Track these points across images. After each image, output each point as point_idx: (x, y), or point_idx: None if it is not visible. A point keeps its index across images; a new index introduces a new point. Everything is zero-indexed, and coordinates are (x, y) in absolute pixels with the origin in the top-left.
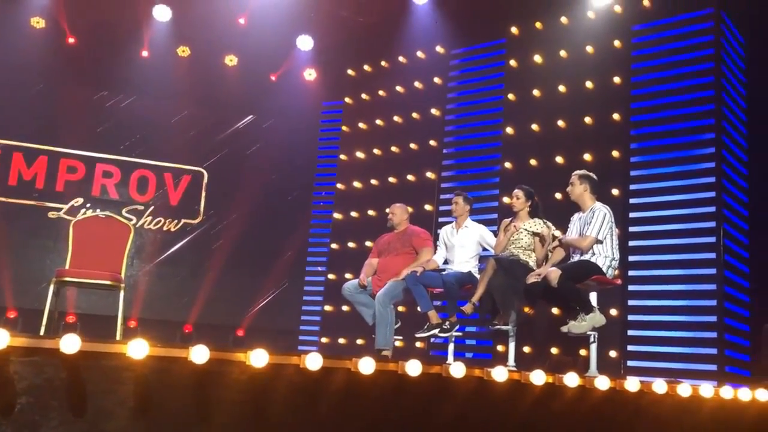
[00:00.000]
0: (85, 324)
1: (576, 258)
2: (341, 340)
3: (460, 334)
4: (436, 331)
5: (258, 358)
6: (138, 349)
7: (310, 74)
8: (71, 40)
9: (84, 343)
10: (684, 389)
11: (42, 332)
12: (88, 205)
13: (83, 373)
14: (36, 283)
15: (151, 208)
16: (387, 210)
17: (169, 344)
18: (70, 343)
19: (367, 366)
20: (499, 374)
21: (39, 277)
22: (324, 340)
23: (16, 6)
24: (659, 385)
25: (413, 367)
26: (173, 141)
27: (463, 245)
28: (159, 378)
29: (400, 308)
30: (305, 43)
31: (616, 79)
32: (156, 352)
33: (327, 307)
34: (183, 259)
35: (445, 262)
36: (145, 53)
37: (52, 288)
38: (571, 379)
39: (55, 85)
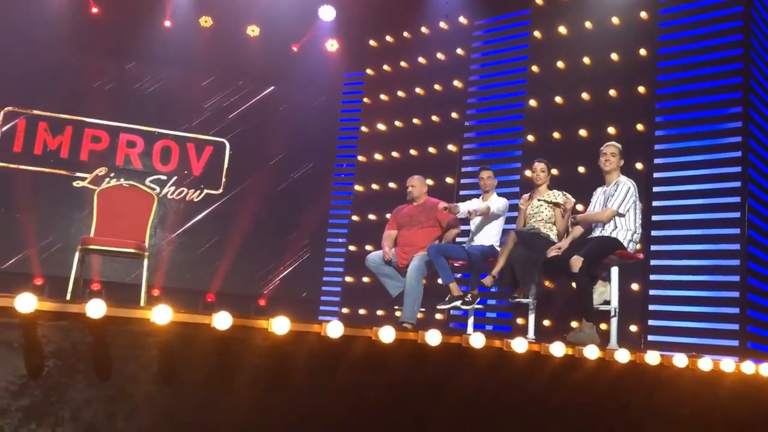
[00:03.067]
0: (110, 292)
1: (597, 232)
2: (361, 311)
3: (480, 306)
4: (457, 303)
5: (280, 325)
6: (162, 314)
7: (331, 45)
8: (94, 10)
9: (109, 308)
10: (705, 363)
11: (68, 299)
12: (112, 174)
13: (108, 338)
14: (62, 251)
15: (174, 178)
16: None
17: (193, 311)
18: (96, 308)
19: (387, 335)
20: (519, 345)
21: (65, 245)
22: (344, 310)
23: None
24: (680, 359)
25: (433, 337)
26: (196, 111)
27: (489, 221)
28: (182, 343)
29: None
30: (327, 13)
31: (642, 52)
32: (180, 318)
33: (348, 278)
34: (205, 229)
35: (468, 234)
36: (167, 23)
37: (77, 255)
38: (591, 352)
39: (78, 56)
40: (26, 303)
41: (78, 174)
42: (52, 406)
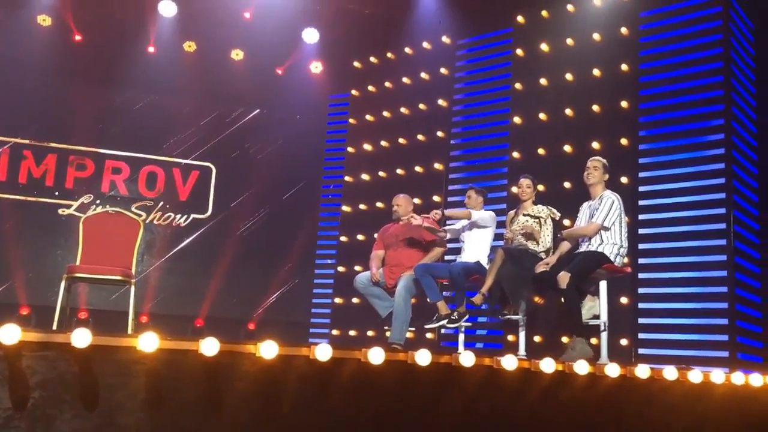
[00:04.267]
0: (97, 320)
1: (584, 246)
2: (352, 332)
3: (469, 324)
4: (444, 321)
5: (268, 349)
6: (148, 342)
7: (316, 67)
8: (78, 37)
9: (95, 337)
10: (695, 376)
11: (54, 328)
12: (97, 201)
13: (95, 367)
14: (48, 279)
15: (161, 203)
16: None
17: (180, 337)
18: (81, 337)
19: (376, 356)
20: (509, 363)
21: (51, 274)
22: (334, 332)
23: (22, 4)
24: (670, 372)
25: (423, 357)
26: (181, 136)
27: (476, 236)
28: (170, 371)
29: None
30: (311, 36)
31: (624, 67)
32: (166, 345)
33: (337, 300)
34: (193, 254)
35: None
36: (151, 49)
37: (63, 284)
38: (581, 367)
39: (62, 83)
40: (10, 334)
41: (63, 202)
42: None
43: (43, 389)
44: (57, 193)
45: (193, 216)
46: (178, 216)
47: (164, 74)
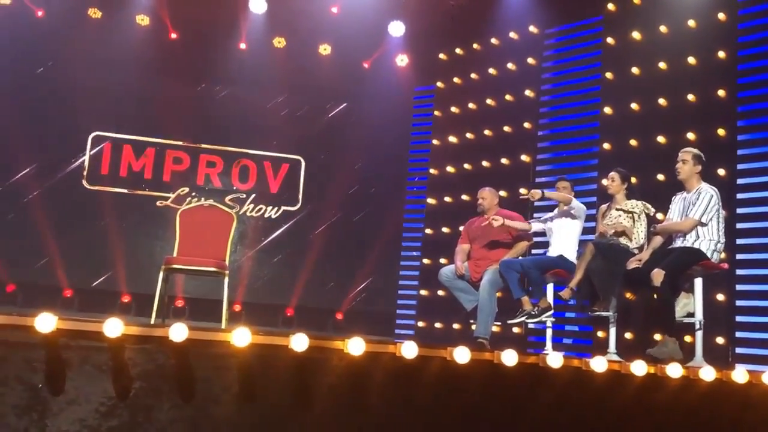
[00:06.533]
0: (193, 308)
1: (679, 242)
2: (437, 325)
3: (554, 319)
4: (525, 317)
5: (356, 346)
6: (242, 337)
7: (402, 60)
8: (173, 35)
9: (191, 331)
10: None
11: (153, 317)
12: (193, 194)
13: (191, 360)
14: (147, 269)
15: (253, 195)
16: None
17: (271, 332)
18: (178, 332)
19: (462, 355)
20: (598, 364)
21: (149, 264)
22: (420, 324)
23: (122, 5)
24: None
25: (509, 357)
26: (272, 130)
27: (564, 230)
28: (261, 365)
29: (497, 293)
30: (397, 29)
31: (721, 54)
32: (258, 340)
33: (423, 292)
34: (283, 245)
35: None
36: (242, 45)
37: (161, 275)
38: (674, 370)
39: (159, 80)
40: (114, 328)
41: (161, 194)
42: (139, 426)
43: (143, 380)
44: (155, 186)
45: (283, 208)
46: (269, 208)
47: (255, 70)
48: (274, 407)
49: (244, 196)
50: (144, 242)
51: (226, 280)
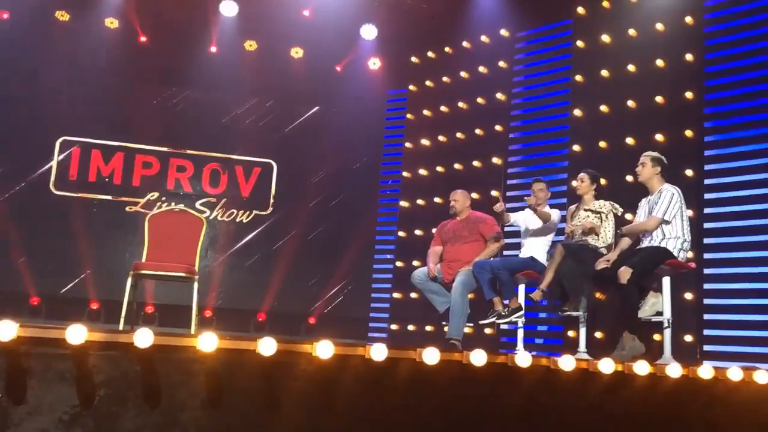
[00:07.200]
0: (163, 314)
1: (646, 242)
2: (410, 327)
3: (525, 319)
4: (495, 318)
5: (324, 349)
6: (208, 342)
7: (374, 63)
8: (143, 38)
9: (157, 336)
10: (761, 376)
11: (122, 323)
12: (163, 198)
13: (157, 366)
14: (116, 275)
15: (224, 200)
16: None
17: (238, 337)
18: (144, 338)
19: (431, 356)
20: (566, 363)
21: (119, 270)
22: (393, 327)
23: (91, 8)
24: (734, 372)
25: (478, 357)
26: (243, 134)
27: (537, 231)
28: (229, 370)
29: (469, 295)
30: (369, 32)
31: (689, 57)
32: (225, 344)
33: (396, 295)
34: (255, 250)
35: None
36: (213, 49)
37: (129, 281)
38: (642, 367)
39: (129, 83)
40: (77, 334)
41: (130, 199)
42: None
43: (108, 387)
44: (124, 191)
45: (255, 212)
46: (241, 212)
47: (226, 73)
48: (242, 413)
49: (215, 200)
50: (113, 248)
51: (196, 285)
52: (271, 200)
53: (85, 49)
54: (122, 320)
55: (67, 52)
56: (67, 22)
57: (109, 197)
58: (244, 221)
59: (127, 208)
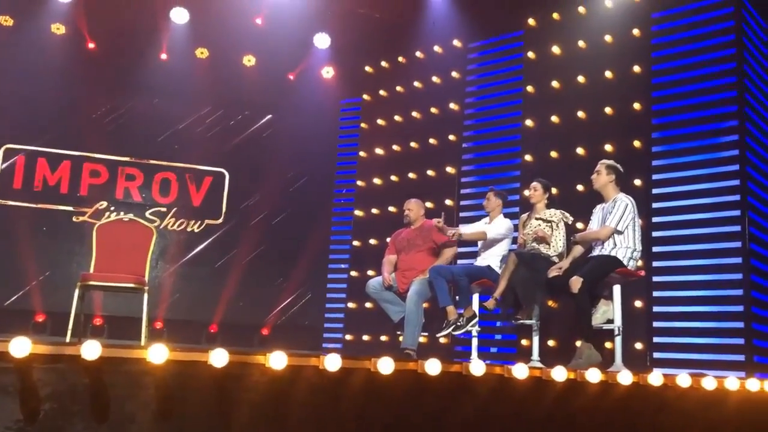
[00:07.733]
0: (113, 326)
1: (597, 250)
2: (365, 337)
3: (479, 328)
4: (451, 329)
5: (277, 360)
6: (158, 354)
7: (327, 72)
8: (91, 45)
9: (105, 349)
10: (709, 382)
11: (69, 336)
12: (112, 208)
13: (105, 379)
14: (63, 286)
15: (174, 209)
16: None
17: (189, 348)
18: (91, 350)
19: (386, 366)
20: (520, 371)
21: (66, 281)
22: (348, 337)
23: (36, 13)
24: (683, 379)
25: (433, 367)
26: (194, 142)
27: (494, 240)
28: (180, 382)
29: (424, 304)
30: (322, 41)
31: (636, 69)
32: (176, 356)
33: (350, 304)
34: (207, 260)
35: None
36: (163, 56)
37: (77, 292)
38: (593, 375)
39: (76, 91)
40: (21, 347)
41: (78, 209)
42: None
43: (54, 401)
44: (72, 200)
45: (206, 222)
46: (192, 222)
47: (177, 81)
48: (194, 425)
49: (165, 209)
50: (60, 259)
51: (146, 296)
52: (223, 210)
53: (31, 56)
54: (69, 332)
55: (11, 58)
56: (10, 27)
57: (55, 206)
58: (196, 231)
59: (74, 218)
